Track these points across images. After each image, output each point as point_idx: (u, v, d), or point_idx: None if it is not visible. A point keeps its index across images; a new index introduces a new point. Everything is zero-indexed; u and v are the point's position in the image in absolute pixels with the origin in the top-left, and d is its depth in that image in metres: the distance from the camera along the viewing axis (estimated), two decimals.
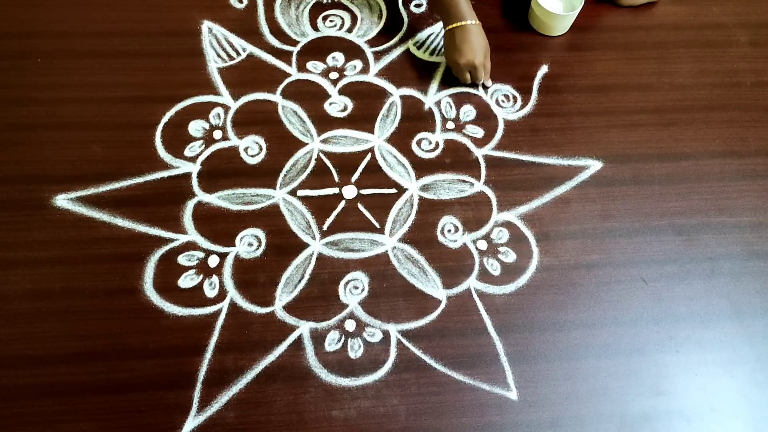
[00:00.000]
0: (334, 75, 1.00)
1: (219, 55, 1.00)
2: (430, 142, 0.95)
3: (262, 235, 0.86)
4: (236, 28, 1.03)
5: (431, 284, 0.84)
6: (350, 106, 0.97)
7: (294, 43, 1.02)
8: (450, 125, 0.96)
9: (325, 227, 0.87)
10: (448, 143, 0.95)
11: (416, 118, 0.97)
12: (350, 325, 0.81)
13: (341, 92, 0.98)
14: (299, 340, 0.79)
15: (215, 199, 0.88)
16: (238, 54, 1.00)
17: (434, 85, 1.00)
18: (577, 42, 1.06)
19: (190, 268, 0.83)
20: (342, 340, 0.80)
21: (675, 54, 1.06)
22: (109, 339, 0.78)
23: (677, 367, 0.80)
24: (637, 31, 1.08)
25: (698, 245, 0.89)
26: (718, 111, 1.00)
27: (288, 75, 0.99)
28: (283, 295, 0.82)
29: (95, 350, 0.77)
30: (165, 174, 0.89)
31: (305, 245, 0.86)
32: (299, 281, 0.83)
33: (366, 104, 0.97)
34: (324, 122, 0.95)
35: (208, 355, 0.78)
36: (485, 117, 0.97)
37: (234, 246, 0.85)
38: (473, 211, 0.89)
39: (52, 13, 1.02)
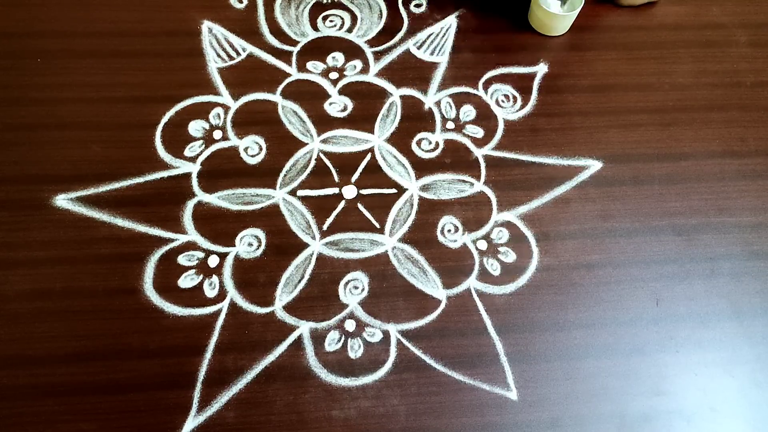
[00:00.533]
0: (334, 75, 1.00)
1: (219, 55, 1.00)
2: (430, 142, 0.95)
3: (262, 235, 0.86)
4: (236, 28, 1.03)
5: (431, 284, 0.84)
6: (350, 106, 0.97)
7: (294, 43, 1.02)
8: (450, 125, 0.96)
9: (325, 227, 0.87)
10: (448, 143, 0.95)
11: (416, 118, 0.97)
12: (350, 325, 0.81)
13: (341, 92, 0.98)
14: (299, 340, 0.79)
15: (215, 199, 0.88)
16: (238, 54, 1.00)
17: (434, 85, 1.00)
18: (577, 42, 1.06)
19: (190, 268, 0.83)
20: (342, 340, 0.80)
21: (675, 54, 1.06)
22: (109, 339, 0.78)
23: (677, 367, 0.80)
24: (637, 31, 1.08)
25: (698, 245, 0.89)
26: (718, 111, 1.00)
27: (288, 75, 0.99)
28: (283, 295, 0.82)
29: (95, 350, 0.77)
30: (165, 174, 0.89)
31: (305, 245, 0.86)
32: (299, 281, 0.83)
33: (366, 104, 0.97)
34: (324, 122, 0.95)
35: (208, 355, 0.78)
36: (485, 117, 0.97)
37: (234, 246, 0.85)
38: (473, 211, 0.89)
39: (52, 13, 1.02)
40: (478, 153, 0.94)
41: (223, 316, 0.80)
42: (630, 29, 1.08)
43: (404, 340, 0.80)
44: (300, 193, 0.89)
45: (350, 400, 0.76)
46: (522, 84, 1.01)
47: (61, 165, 0.89)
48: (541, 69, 1.02)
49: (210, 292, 0.82)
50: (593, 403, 0.77)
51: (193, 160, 0.91)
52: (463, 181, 0.92)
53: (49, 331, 0.78)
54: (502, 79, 1.01)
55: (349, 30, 1.05)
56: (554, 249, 0.87)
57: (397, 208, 0.89)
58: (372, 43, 1.03)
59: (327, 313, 0.81)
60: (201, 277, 0.83)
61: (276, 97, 0.97)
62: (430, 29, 1.06)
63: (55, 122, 0.92)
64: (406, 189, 0.91)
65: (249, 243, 0.85)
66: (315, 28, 1.04)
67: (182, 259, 0.83)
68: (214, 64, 0.99)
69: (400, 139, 0.95)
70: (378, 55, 1.02)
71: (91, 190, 0.87)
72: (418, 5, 1.09)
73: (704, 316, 0.84)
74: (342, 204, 0.89)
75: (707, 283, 0.86)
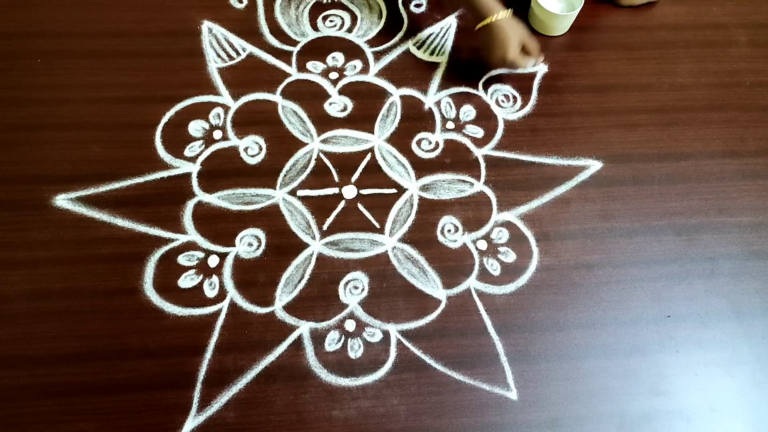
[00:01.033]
0: (334, 75, 1.00)
1: (219, 55, 1.00)
2: (430, 142, 0.95)
3: (262, 235, 0.86)
4: (236, 28, 1.03)
5: (431, 284, 0.84)
6: (350, 106, 0.97)
7: (294, 43, 1.02)
8: (450, 125, 0.96)
9: (325, 227, 0.87)
10: (448, 143, 0.95)
11: (416, 118, 0.97)
12: (350, 325, 0.81)
13: (341, 92, 0.98)
14: (299, 340, 0.79)
15: (215, 199, 0.88)
16: (238, 54, 1.00)
17: (434, 85, 1.00)
18: (577, 42, 1.06)
19: (190, 268, 0.83)
20: (342, 340, 0.80)
21: (675, 54, 1.06)
22: (109, 339, 0.78)
23: (677, 367, 0.80)
24: (637, 31, 1.08)
25: (698, 245, 0.89)
26: (718, 111, 1.00)
27: (288, 75, 0.99)
28: (283, 295, 0.82)
29: (95, 350, 0.77)
30: (165, 174, 0.89)
31: (305, 245, 0.86)
32: (299, 281, 0.83)
33: (366, 104, 0.97)
34: (324, 122, 0.95)
35: (208, 355, 0.78)
36: (485, 117, 0.97)
37: (234, 246, 0.85)
38: (473, 211, 0.89)
39: (52, 13, 1.02)
40: (478, 153, 0.94)
41: (223, 316, 0.80)
42: (630, 29, 1.08)
43: (404, 340, 0.80)
44: (300, 193, 0.89)
45: (350, 400, 0.76)
46: (522, 84, 1.01)
47: (61, 165, 0.89)
48: (541, 69, 1.02)
49: (210, 292, 0.82)
50: (593, 403, 0.77)
51: (193, 160, 0.91)
52: (463, 181, 0.92)
53: (49, 331, 0.78)
54: (501, 79, 1.01)
55: (349, 30, 1.05)
56: (554, 249, 0.87)
57: (397, 208, 0.89)
58: (372, 43, 1.03)
59: (327, 313, 0.81)
60: (201, 277, 0.83)
61: (276, 97, 0.97)
62: (430, 29, 1.06)
63: (55, 122, 0.92)
64: (406, 189, 0.91)
65: (249, 243, 0.85)
66: (315, 28, 1.04)
67: (182, 259, 0.83)
68: (214, 64, 0.99)
69: (400, 139, 0.95)
70: (378, 55, 1.02)
71: (91, 190, 0.87)
72: (418, 5, 1.09)
73: (704, 316, 0.84)
74: (342, 204, 0.89)
75: (707, 283, 0.86)
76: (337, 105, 0.97)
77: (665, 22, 1.09)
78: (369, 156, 0.93)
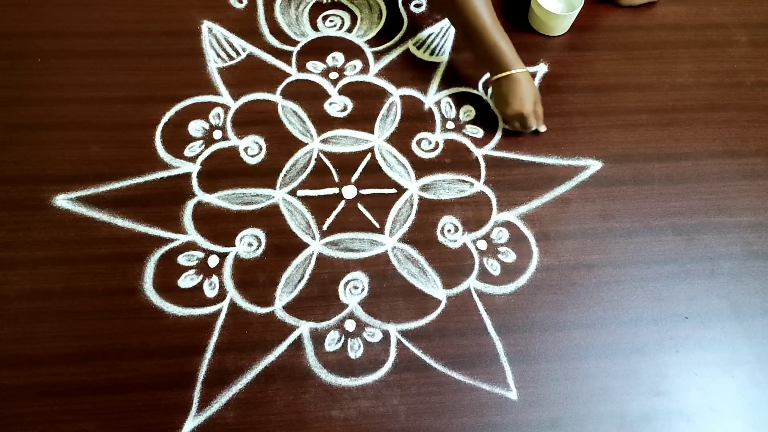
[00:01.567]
0: (334, 75, 1.00)
1: (219, 55, 1.00)
2: (430, 142, 0.95)
3: (262, 235, 0.86)
4: (236, 28, 1.03)
5: (431, 284, 0.84)
6: (350, 106, 0.97)
7: (294, 43, 1.02)
8: (450, 125, 0.96)
9: (325, 227, 0.87)
10: (448, 143, 0.95)
11: (416, 118, 0.97)
12: (350, 325, 0.81)
13: (341, 92, 0.98)
14: (299, 340, 0.79)
15: (215, 199, 0.88)
16: (238, 54, 1.00)
17: (434, 85, 1.00)
18: (577, 42, 1.06)
19: (190, 268, 0.83)
20: (342, 340, 0.80)
21: (675, 54, 1.06)
22: (109, 339, 0.78)
23: (677, 367, 0.80)
24: (637, 31, 1.08)
25: (698, 245, 0.89)
26: (718, 111, 1.00)
27: (288, 75, 0.99)
28: (283, 295, 0.82)
29: (95, 350, 0.77)
30: (165, 174, 0.89)
31: (305, 245, 0.86)
32: (299, 281, 0.83)
33: (366, 104, 0.97)
34: (324, 122, 0.95)
35: (208, 355, 0.78)
36: (485, 117, 0.97)
37: (234, 246, 0.85)
38: (473, 211, 0.89)
39: (52, 13, 1.02)
40: (478, 153, 0.94)
41: (223, 316, 0.80)
42: (630, 29, 1.08)
43: (404, 340, 0.80)
44: (300, 193, 0.89)
45: (350, 400, 0.76)
46: None
47: (61, 165, 0.89)
48: (541, 69, 1.02)
49: (210, 292, 0.82)
50: (593, 403, 0.77)
51: (193, 160, 0.91)
52: (463, 181, 0.92)
53: (49, 331, 0.78)
54: None
55: (349, 30, 1.05)
56: (554, 249, 0.87)
57: (397, 208, 0.89)
58: (372, 43, 1.03)
59: (327, 313, 0.81)
60: (201, 277, 0.83)
61: (276, 97, 0.97)
62: (430, 29, 1.06)
63: (55, 122, 0.92)
64: (406, 189, 0.91)
65: (249, 243, 0.85)
66: (315, 28, 1.04)
67: (182, 259, 0.83)
68: (214, 64, 0.99)
69: (400, 139, 0.95)
70: (378, 55, 1.02)
71: (91, 190, 0.87)
72: (418, 5, 1.09)
73: (704, 316, 0.84)
74: (342, 204, 0.89)
75: (707, 283, 0.86)
76: (337, 105, 0.97)
77: (665, 22, 1.09)
78: (369, 156, 0.93)
